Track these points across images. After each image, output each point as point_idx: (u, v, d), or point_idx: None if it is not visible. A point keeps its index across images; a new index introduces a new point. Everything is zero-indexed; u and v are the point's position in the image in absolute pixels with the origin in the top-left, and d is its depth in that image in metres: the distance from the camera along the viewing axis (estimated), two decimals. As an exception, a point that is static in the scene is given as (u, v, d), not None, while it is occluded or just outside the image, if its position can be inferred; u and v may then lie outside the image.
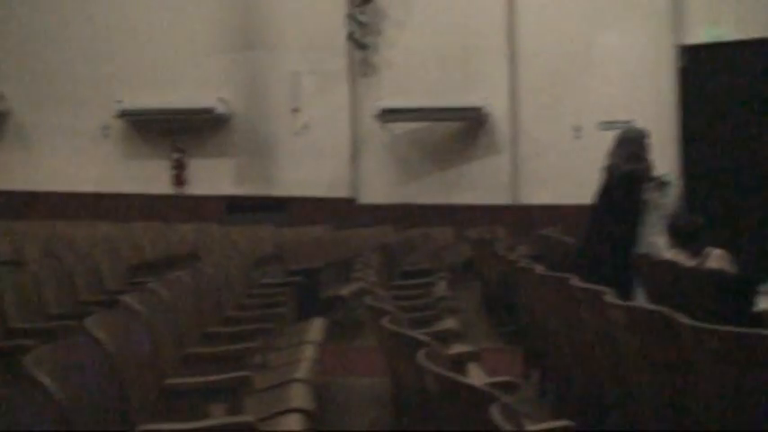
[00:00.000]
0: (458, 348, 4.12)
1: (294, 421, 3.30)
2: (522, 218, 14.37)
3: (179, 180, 15.94)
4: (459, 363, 3.64)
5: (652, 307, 3.05)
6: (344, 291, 8.11)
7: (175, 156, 15.93)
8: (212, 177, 15.80)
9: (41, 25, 15.85)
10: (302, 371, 4.12)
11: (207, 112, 15.56)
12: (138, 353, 3.35)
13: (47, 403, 2.46)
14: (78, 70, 15.71)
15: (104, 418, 2.78)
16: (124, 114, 15.75)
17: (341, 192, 15.56)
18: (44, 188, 15.62)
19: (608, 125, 14.07)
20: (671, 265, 5.17)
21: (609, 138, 6.68)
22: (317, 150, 15.45)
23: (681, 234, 5.59)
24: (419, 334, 2.92)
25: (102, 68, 15.65)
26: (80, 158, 15.82)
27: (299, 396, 3.63)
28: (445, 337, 4.47)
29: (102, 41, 15.70)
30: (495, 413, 1.76)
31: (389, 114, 15.18)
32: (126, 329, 3.40)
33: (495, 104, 15.22)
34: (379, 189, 15.59)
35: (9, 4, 16.02)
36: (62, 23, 15.83)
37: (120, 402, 2.97)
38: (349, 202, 15.53)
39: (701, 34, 14.15)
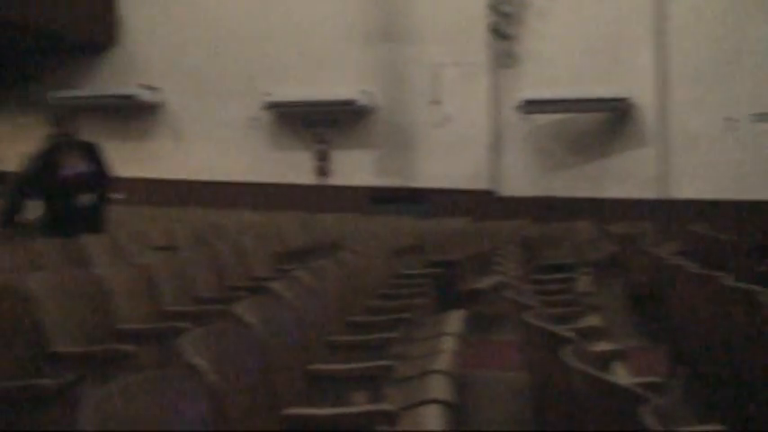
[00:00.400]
0: (602, 346, 4.03)
1: (434, 412, 3.30)
2: (670, 213, 13.89)
3: (322, 171, 16.27)
4: (603, 361, 3.56)
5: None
6: (484, 283, 8.07)
7: (319, 147, 16.27)
8: (355, 168, 16.04)
9: (196, 22, 16.52)
10: (442, 362, 4.12)
11: (349, 104, 15.81)
12: (285, 338, 3.43)
13: (200, 384, 2.55)
14: (229, 64, 16.28)
15: (253, 401, 2.87)
16: (271, 106, 16.21)
17: (481, 184, 15.49)
18: (196, 177, 16.27)
19: (762, 117, 13.40)
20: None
21: (764, 130, 6.37)
22: (457, 142, 15.44)
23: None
24: (563, 330, 2.87)
25: (251, 62, 16.16)
26: (229, 149, 16.40)
27: (439, 387, 3.64)
28: (588, 335, 4.38)
29: (250, 36, 16.20)
30: (644, 415, 1.72)
31: (532, 105, 14.98)
32: (274, 315, 3.49)
33: (642, 95, 14.77)
34: (519, 181, 15.43)
35: (165, 3, 16.76)
36: (214, 19, 16.43)
37: (268, 386, 3.05)
38: (489, 195, 15.45)
39: None
